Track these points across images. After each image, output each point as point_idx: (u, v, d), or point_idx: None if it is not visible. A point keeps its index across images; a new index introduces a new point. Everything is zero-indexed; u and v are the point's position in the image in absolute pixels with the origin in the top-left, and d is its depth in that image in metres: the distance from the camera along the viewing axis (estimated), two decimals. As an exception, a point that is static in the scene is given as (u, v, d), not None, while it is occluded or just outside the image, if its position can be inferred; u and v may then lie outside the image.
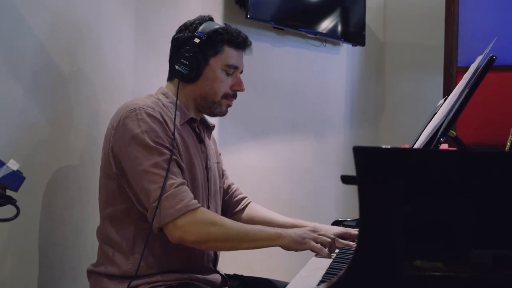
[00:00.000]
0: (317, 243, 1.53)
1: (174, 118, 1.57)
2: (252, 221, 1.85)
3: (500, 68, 3.53)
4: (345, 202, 3.54)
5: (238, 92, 1.71)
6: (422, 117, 1.99)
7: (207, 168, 1.71)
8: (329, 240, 1.56)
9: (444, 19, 3.65)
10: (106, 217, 1.62)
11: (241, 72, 1.71)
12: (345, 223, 2.05)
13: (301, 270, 1.44)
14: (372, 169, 0.96)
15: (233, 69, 1.66)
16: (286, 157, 3.27)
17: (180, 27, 1.70)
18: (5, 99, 1.64)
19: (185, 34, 1.65)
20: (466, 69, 1.49)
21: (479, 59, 1.39)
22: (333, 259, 1.53)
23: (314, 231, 1.57)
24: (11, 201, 1.46)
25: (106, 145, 1.59)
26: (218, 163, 1.84)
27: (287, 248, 1.51)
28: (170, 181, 1.48)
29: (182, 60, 1.60)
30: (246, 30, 2.87)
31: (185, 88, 1.64)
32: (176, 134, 1.57)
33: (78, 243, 1.93)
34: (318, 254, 1.55)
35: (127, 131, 1.52)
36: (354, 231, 1.72)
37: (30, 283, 1.74)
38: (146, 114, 1.52)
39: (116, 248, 1.59)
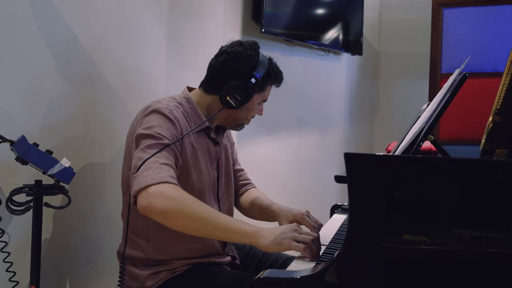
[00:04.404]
0: (298, 242, 1.24)
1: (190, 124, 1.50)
2: (247, 204, 1.72)
3: (479, 75, 3.47)
4: (344, 188, 3.49)
5: None
6: (410, 116, 1.96)
7: (218, 166, 1.61)
8: (310, 238, 1.25)
9: (430, 32, 3.59)
10: (126, 203, 1.55)
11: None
12: (343, 206, 2.01)
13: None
14: (359, 172, 1.04)
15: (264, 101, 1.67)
16: (294, 149, 3.27)
17: (234, 44, 1.59)
18: (60, 99, 1.62)
19: (242, 68, 1.53)
20: (448, 75, 1.46)
21: (456, 71, 1.36)
22: (328, 244, 1.41)
23: (295, 230, 1.26)
24: (64, 191, 1.46)
25: (129, 139, 1.51)
26: (231, 152, 1.75)
27: (265, 249, 1.24)
28: (155, 159, 1.31)
29: (235, 95, 1.51)
30: (261, 42, 2.88)
31: (223, 110, 1.56)
32: (186, 141, 1.47)
33: (110, 229, 1.90)
34: (301, 254, 1.29)
35: (140, 126, 1.43)
36: None
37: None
38: (161, 114, 1.43)
39: (136, 233, 1.51)
